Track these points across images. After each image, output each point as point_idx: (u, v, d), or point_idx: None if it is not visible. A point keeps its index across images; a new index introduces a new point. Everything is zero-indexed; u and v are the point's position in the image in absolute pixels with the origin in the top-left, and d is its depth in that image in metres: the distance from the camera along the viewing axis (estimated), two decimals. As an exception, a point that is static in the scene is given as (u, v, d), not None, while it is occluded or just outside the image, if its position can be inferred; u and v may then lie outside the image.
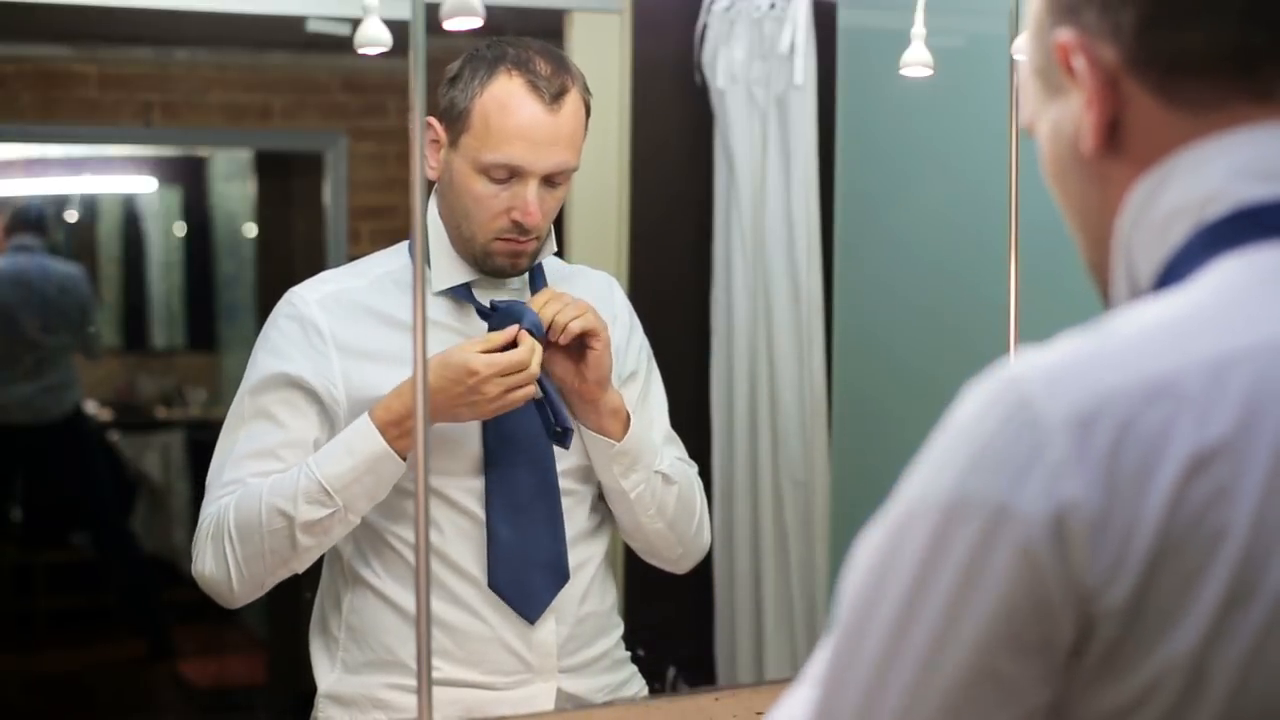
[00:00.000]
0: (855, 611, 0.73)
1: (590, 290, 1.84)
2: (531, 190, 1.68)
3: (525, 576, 1.73)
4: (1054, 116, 0.83)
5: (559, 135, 1.68)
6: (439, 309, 1.74)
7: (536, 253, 1.75)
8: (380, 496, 1.67)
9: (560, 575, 1.75)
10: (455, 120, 1.70)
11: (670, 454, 1.85)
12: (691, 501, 1.85)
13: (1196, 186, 0.76)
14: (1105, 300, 0.84)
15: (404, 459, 1.65)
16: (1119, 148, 0.79)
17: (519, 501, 1.73)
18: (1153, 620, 0.68)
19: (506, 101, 1.67)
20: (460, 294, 1.75)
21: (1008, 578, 0.68)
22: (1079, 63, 0.79)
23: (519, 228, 1.69)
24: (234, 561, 1.67)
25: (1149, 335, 0.71)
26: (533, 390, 1.66)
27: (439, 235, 1.74)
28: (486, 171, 1.68)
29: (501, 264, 1.72)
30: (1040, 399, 0.69)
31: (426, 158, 1.73)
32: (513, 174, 1.68)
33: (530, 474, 1.74)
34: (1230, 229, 0.75)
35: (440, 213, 1.75)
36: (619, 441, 1.75)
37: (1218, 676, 0.67)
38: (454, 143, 1.71)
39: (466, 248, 1.73)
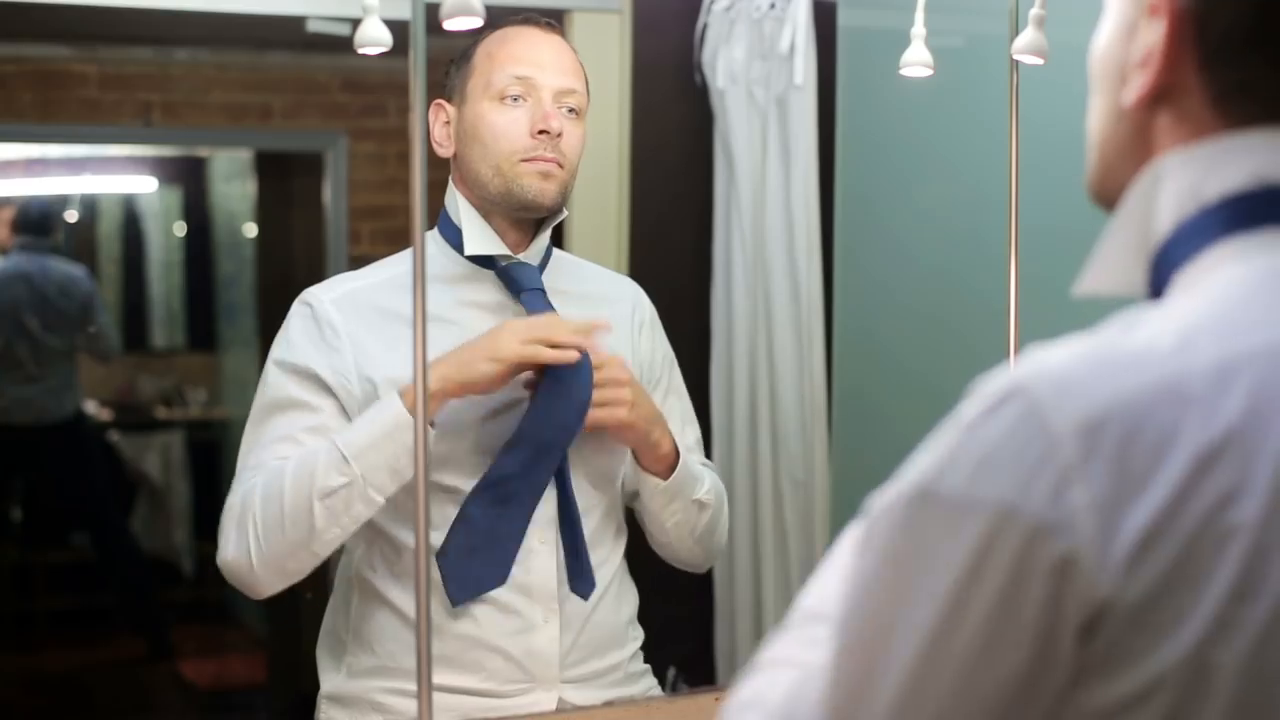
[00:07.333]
0: (868, 607, 0.73)
1: (617, 295, 1.87)
2: (547, 102, 1.70)
3: (470, 560, 1.70)
4: (1122, 34, 0.83)
5: (562, 58, 1.73)
6: (473, 289, 1.75)
7: (563, 188, 1.73)
8: (403, 472, 1.63)
9: (501, 571, 1.71)
10: (459, 83, 1.74)
11: (694, 458, 1.86)
12: (719, 518, 1.87)
13: (1213, 172, 0.77)
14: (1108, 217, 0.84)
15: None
16: (1159, 110, 0.80)
17: (507, 491, 1.70)
18: (1159, 618, 0.68)
19: (506, 34, 1.73)
20: (490, 264, 1.75)
21: (1012, 580, 0.69)
22: (1158, 27, 0.79)
23: (544, 140, 1.69)
24: (254, 539, 1.64)
25: (1155, 341, 0.72)
26: (552, 355, 1.64)
27: (466, 207, 1.74)
28: (500, 96, 1.70)
29: (530, 186, 1.69)
30: (1049, 405, 0.70)
31: (437, 137, 1.76)
32: (525, 90, 1.70)
33: (538, 470, 1.71)
34: (1227, 213, 0.76)
35: (463, 180, 1.75)
36: (665, 481, 1.78)
37: (1223, 671, 0.68)
38: (462, 102, 1.73)
39: (496, 185, 1.70)
